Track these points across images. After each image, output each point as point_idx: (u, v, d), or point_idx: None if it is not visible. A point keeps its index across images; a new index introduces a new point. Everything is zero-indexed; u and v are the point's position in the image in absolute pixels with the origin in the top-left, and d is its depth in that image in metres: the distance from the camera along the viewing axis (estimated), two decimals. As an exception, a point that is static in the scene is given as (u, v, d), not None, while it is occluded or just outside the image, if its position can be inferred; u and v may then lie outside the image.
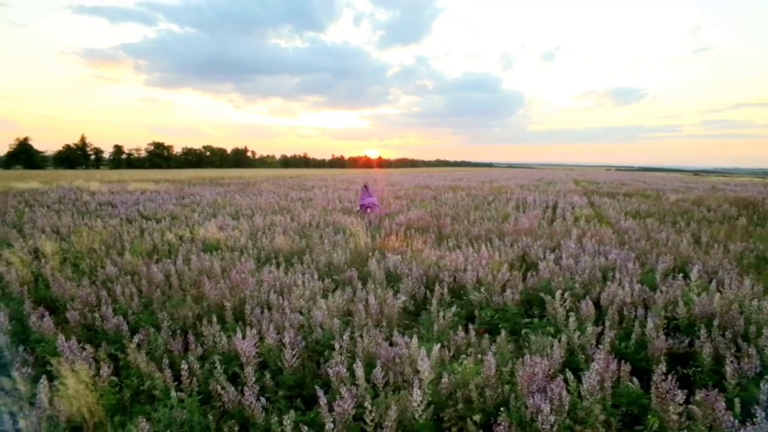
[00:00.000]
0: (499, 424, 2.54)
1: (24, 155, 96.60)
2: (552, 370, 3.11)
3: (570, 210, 13.26)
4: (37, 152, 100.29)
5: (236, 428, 2.85)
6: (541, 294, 4.79)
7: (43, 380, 3.05)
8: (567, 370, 3.12)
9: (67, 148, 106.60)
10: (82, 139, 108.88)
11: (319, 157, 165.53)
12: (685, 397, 2.62)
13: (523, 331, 4.41)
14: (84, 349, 3.64)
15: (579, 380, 2.94)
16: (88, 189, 20.48)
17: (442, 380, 3.12)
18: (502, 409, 2.64)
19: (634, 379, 3.19)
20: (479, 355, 3.61)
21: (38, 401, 2.91)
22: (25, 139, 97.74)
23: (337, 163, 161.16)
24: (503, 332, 3.97)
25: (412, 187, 23.34)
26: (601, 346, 3.62)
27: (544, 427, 2.51)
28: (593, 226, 9.74)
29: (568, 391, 2.84)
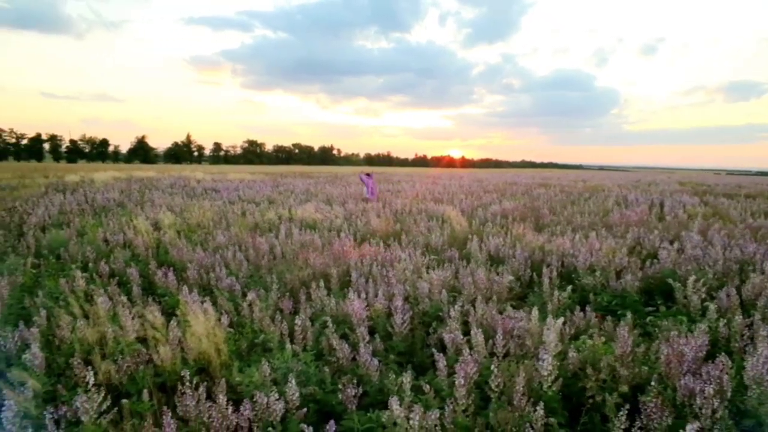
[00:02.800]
0: (647, 404, 2.26)
1: (141, 151, 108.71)
2: (700, 354, 2.74)
3: (681, 208, 11.96)
4: (151, 149, 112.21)
5: (354, 382, 2.84)
6: (669, 280, 4.30)
7: (174, 321, 3.28)
8: (722, 354, 2.72)
9: (175, 145, 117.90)
10: (188, 137, 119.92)
11: (402, 156, 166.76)
12: None
13: (648, 318, 3.99)
14: (204, 301, 3.87)
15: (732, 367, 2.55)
16: (194, 177, 22.29)
17: (569, 355, 2.88)
18: (652, 383, 2.35)
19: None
20: (602, 338, 3.30)
21: (170, 338, 3.12)
22: (143, 138, 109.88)
23: (420, 162, 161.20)
24: (628, 315, 3.61)
25: (501, 183, 22.58)
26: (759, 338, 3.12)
27: (704, 411, 2.19)
28: (714, 222, 8.69)
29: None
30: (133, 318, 3.30)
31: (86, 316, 3.61)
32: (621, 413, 2.20)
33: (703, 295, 4.01)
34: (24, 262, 5.31)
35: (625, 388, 2.47)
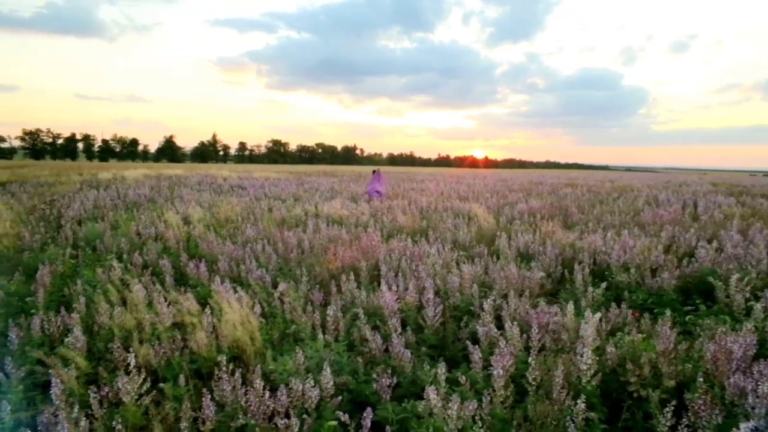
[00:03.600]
0: (695, 402, 2.17)
1: (169, 150, 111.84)
2: (749, 352, 2.62)
3: (716, 208, 11.53)
4: (178, 148, 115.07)
5: (387, 372, 2.82)
6: (710, 279, 4.15)
7: (208, 309, 3.32)
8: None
9: (202, 144, 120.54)
10: (214, 137, 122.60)
11: (425, 156, 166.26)
12: None
13: (688, 317, 3.85)
14: (237, 289, 3.91)
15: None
16: (221, 175, 22.69)
17: (607, 351, 2.80)
18: (699, 380, 2.25)
19: None
20: (640, 335, 3.20)
21: (205, 324, 3.16)
22: (171, 137, 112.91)
23: (443, 162, 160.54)
24: (667, 312, 3.50)
25: (526, 183, 22.26)
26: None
27: (757, 411, 2.09)
28: (754, 222, 8.34)
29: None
30: (168, 305, 3.35)
31: (124, 303, 3.70)
32: (666, 410, 2.12)
33: (747, 295, 3.85)
34: (63, 253, 5.48)
35: (671, 383, 2.38)
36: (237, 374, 2.46)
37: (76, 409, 2.08)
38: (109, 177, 19.66)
